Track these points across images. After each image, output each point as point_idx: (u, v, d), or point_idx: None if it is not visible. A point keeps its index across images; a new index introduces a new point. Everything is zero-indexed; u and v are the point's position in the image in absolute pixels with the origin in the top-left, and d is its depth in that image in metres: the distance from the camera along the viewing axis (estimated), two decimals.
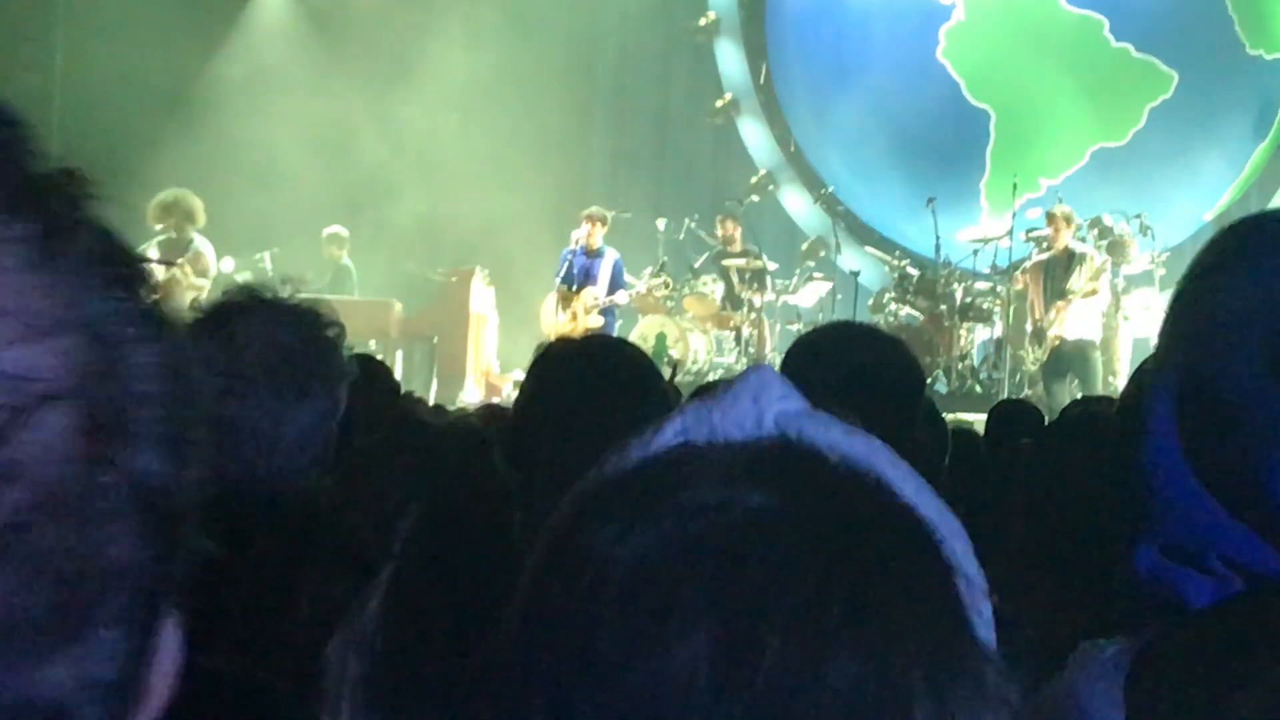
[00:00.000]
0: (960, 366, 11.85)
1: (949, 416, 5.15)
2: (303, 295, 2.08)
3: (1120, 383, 10.12)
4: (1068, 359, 10.90)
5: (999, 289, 11.98)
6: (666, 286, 12.72)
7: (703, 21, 15.80)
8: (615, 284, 12.38)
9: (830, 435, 0.72)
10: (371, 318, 12.33)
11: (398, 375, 6.21)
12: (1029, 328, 11.31)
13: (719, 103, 15.84)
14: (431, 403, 9.24)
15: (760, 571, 0.64)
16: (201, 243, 11.08)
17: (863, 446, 0.72)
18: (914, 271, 12.39)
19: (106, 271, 0.53)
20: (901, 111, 14.49)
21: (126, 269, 0.54)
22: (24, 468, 0.48)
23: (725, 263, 12.82)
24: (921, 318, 12.04)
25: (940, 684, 0.64)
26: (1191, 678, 1.04)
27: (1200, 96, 13.74)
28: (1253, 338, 1.08)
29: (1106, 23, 14.00)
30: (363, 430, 2.63)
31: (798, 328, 12.02)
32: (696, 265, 13.03)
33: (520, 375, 3.33)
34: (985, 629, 0.69)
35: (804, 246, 14.03)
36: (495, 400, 10.29)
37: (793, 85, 15.74)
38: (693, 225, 13.51)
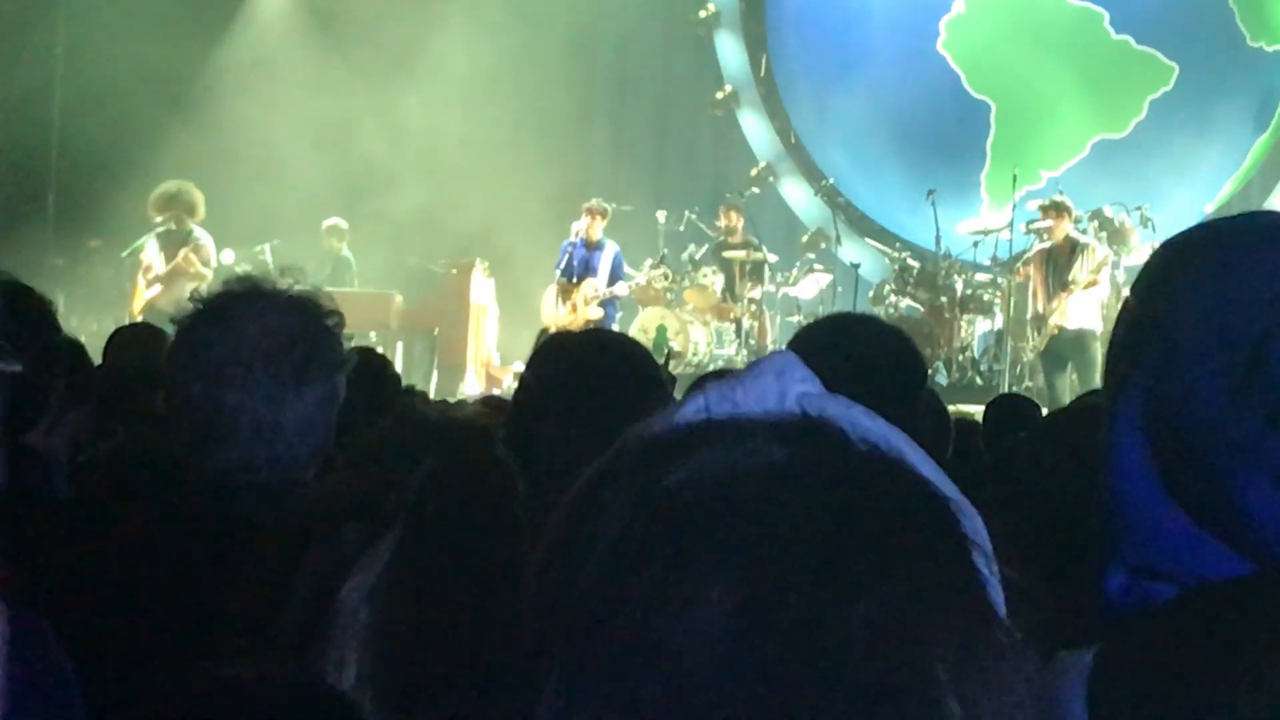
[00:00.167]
0: (961, 358, 11.86)
1: (950, 408, 5.15)
2: (302, 286, 2.07)
3: None
4: (1068, 348, 10.89)
5: (999, 281, 11.98)
6: (666, 278, 12.70)
7: (703, 14, 15.79)
8: (615, 276, 12.37)
9: (852, 414, 0.73)
10: (372, 310, 12.33)
11: (398, 367, 6.22)
12: (1029, 316, 11.31)
13: (719, 95, 15.83)
14: (432, 394, 9.25)
15: (781, 522, 0.64)
16: (202, 235, 11.07)
17: (883, 427, 0.73)
18: (914, 263, 12.39)
19: None
20: (902, 103, 14.48)
21: None
22: None
23: (725, 254, 12.81)
24: (922, 310, 12.03)
25: (961, 643, 0.64)
26: (1150, 673, 1.06)
27: (1201, 89, 13.73)
28: (1214, 360, 1.09)
29: (1107, 15, 13.99)
30: (363, 423, 2.62)
31: (798, 319, 12.02)
32: (697, 256, 13.00)
33: (520, 367, 3.33)
34: (1000, 605, 0.70)
35: (804, 238, 14.00)
36: (496, 392, 10.28)
37: (793, 77, 15.72)
38: (693, 217, 13.49)
